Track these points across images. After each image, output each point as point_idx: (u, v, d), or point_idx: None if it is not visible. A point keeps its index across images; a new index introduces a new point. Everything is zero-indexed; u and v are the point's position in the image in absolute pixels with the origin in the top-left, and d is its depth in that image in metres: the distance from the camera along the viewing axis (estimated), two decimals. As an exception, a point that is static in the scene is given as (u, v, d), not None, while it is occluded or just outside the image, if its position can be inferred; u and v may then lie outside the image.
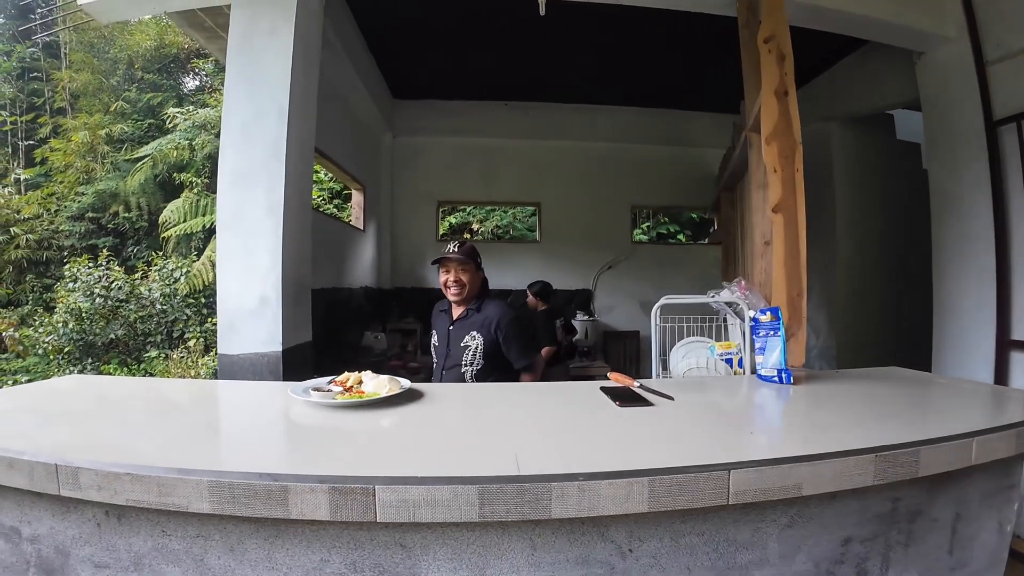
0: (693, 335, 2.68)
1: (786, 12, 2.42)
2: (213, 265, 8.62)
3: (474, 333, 2.25)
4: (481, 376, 2.20)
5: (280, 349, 2.53)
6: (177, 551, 0.96)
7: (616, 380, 1.64)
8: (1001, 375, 3.06)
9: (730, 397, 1.68)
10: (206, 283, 8.51)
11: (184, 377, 7.11)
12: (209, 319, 8.23)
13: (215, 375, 6.99)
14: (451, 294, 2.30)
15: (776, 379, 1.70)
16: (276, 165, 2.57)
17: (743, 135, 3.07)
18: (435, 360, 2.41)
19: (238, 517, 0.90)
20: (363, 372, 1.47)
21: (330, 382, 1.47)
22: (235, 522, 0.94)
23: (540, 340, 4.02)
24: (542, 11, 2.68)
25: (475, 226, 9.66)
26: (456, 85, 5.72)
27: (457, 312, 2.34)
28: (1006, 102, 3.06)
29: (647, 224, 8.81)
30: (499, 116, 6.12)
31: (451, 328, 2.33)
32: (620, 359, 6.05)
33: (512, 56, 4.87)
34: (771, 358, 1.73)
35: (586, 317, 5.69)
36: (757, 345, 1.81)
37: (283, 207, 2.56)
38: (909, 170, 5.06)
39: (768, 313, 1.79)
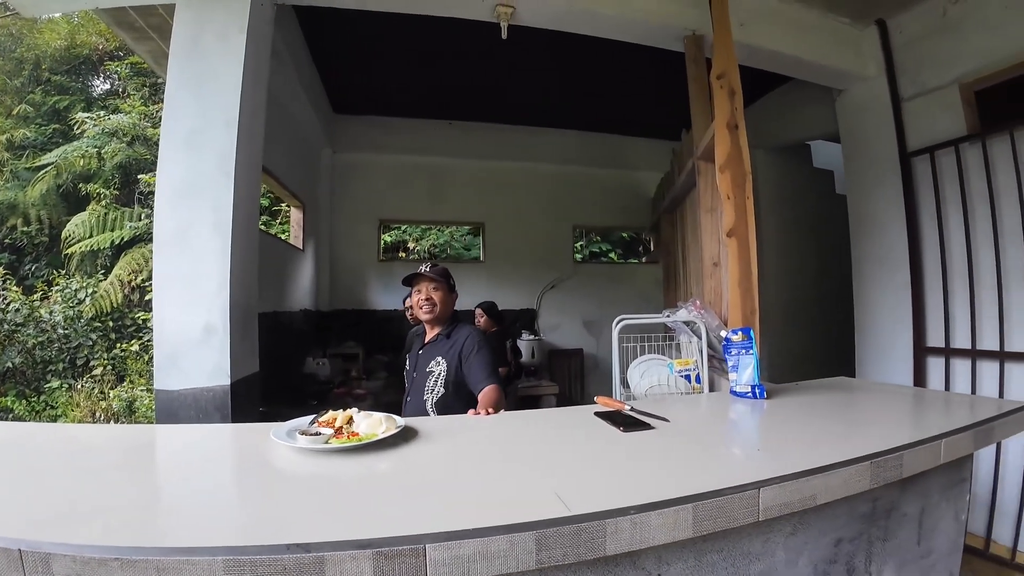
0: (647, 353, 2.75)
1: (734, 51, 2.58)
2: (123, 285, 7.95)
3: (439, 359, 2.17)
4: (441, 405, 2.10)
5: (228, 383, 2.31)
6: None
7: (605, 404, 1.64)
8: (919, 378, 3.37)
9: (716, 415, 1.74)
10: (114, 305, 7.79)
11: (94, 412, 6.46)
12: (118, 344, 7.53)
13: (129, 407, 6.47)
14: (423, 313, 2.22)
15: (751, 395, 1.78)
16: (224, 180, 2.37)
17: (691, 162, 3.21)
18: (407, 387, 2.32)
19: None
20: (350, 410, 1.37)
21: (312, 422, 1.35)
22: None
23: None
24: (504, 35, 2.71)
25: (411, 244, 9.51)
26: (400, 102, 5.64)
27: (428, 336, 2.28)
28: (919, 135, 3.39)
29: (580, 243, 9.01)
30: (444, 135, 6.08)
31: (420, 352, 2.26)
32: (566, 377, 6.11)
33: (458, 76, 4.87)
34: (744, 375, 1.82)
35: (532, 336, 5.71)
36: (729, 363, 1.88)
37: (232, 225, 2.36)
38: (824, 195, 5.51)
39: (740, 333, 1.87)
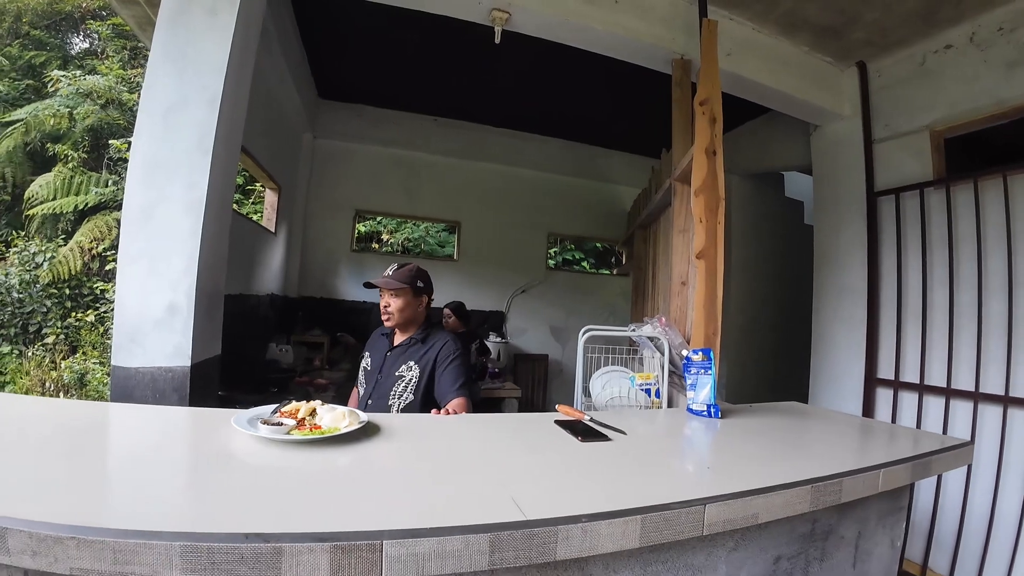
0: (611, 364, 2.81)
1: (719, 79, 2.66)
2: (83, 252, 7.68)
3: (411, 364, 2.11)
4: (408, 412, 2.06)
5: (188, 364, 2.26)
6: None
7: (566, 413, 1.68)
8: (868, 407, 3.51)
9: (671, 431, 1.78)
10: (73, 272, 7.53)
11: (44, 381, 6.23)
12: (73, 313, 7.29)
13: (80, 380, 6.26)
14: (384, 320, 2.18)
15: (706, 413, 1.84)
16: (201, 158, 2.31)
17: (668, 182, 3.28)
18: (362, 386, 2.25)
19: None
20: (313, 402, 1.37)
21: (275, 411, 1.34)
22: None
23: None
24: (497, 39, 2.74)
25: (385, 236, 9.44)
26: (387, 93, 5.60)
27: (399, 339, 2.21)
28: (887, 176, 3.53)
29: (555, 249, 9.09)
30: (428, 131, 6.06)
31: (388, 353, 2.19)
32: (529, 382, 6.15)
33: (448, 74, 4.87)
34: (701, 394, 1.88)
35: (499, 339, 5.74)
36: (688, 381, 1.94)
37: (204, 206, 2.31)
38: (794, 224, 5.69)
39: (700, 353, 1.92)
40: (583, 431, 1.47)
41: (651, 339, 2.62)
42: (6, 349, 6.73)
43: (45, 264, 7.40)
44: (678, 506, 1.00)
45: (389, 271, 2.18)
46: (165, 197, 2.30)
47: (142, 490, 0.96)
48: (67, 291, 7.51)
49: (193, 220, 2.31)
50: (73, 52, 11.13)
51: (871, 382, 3.54)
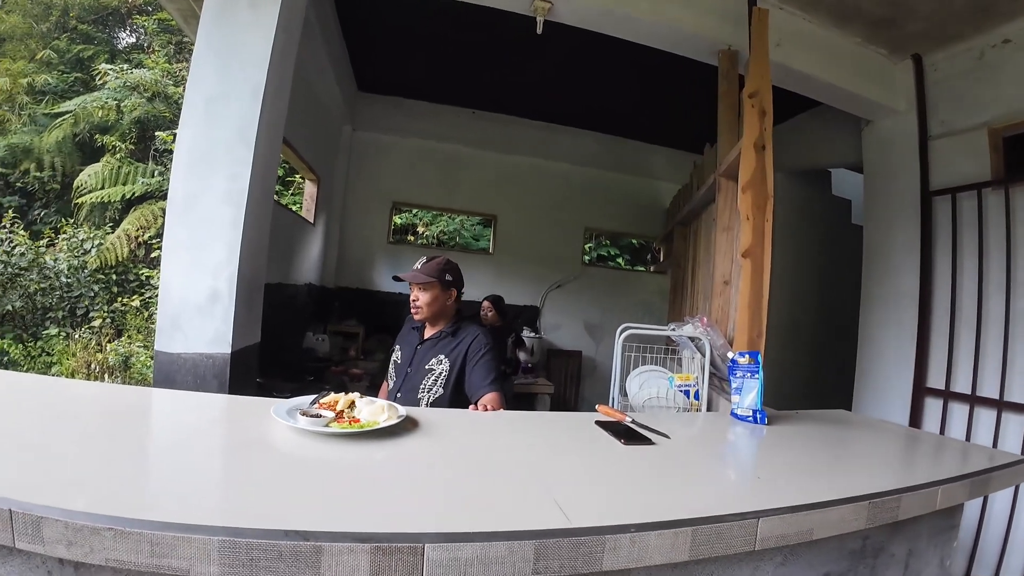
0: (647, 364, 2.74)
1: (769, 71, 2.55)
2: (129, 240, 7.94)
3: (442, 357, 2.07)
4: (437, 406, 2.00)
5: (229, 351, 2.30)
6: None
7: (606, 414, 1.63)
8: (916, 417, 3.36)
9: (716, 436, 1.72)
10: (119, 259, 7.80)
11: (90, 363, 6.46)
12: (119, 298, 7.53)
13: (125, 363, 6.48)
14: (413, 314, 2.15)
15: (751, 419, 1.77)
16: (243, 150, 2.35)
17: (712, 177, 3.19)
18: (392, 379, 2.23)
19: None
20: (352, 394, 1.36)
21: (314, 402, 1.33)
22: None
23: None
24: (539, 30, 2.69)
25: (420, 229, 9.49)
26: (425, 86, 5.61)
27: (429, 332, 2.17)
28: (942, 175, 3.36)
29: (589, 245, 9.00)
30: (465, 124, 6.04)
31: (419, 347, 2.16)
32: (562, 378, 6.11)
33: (486, 66, 4.85)
34: (747, 399, 1.81)
35: (533, 334, 5.70)
36: (733, 385, 1.87)
37: (246, 196, 2.34)
38: (841, 223, 5.49)
39: (747, 356, 1.85)
40: (625, 433, 1.42)
41: (692, 339, 2.55)
42: (54, 331, 6.98)
43: (93, 251, 7.66)
44: (731, 519, 0.95)
45: (418, 265, 2.15)
46: (208, 187, 2.34)
47: (180, 480, 0.95)
48: (114, 277, 7.78)
49: (235, 210, 2.35)
50: (120, 46, 11.54)
51: (920, 391, 3.38)
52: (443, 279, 2.12)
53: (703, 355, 2.47)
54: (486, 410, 1.80)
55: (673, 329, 2.66)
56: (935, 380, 3.32)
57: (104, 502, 0.77)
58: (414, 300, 2.12)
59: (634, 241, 9.45)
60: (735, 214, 2.77)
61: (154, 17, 10.23)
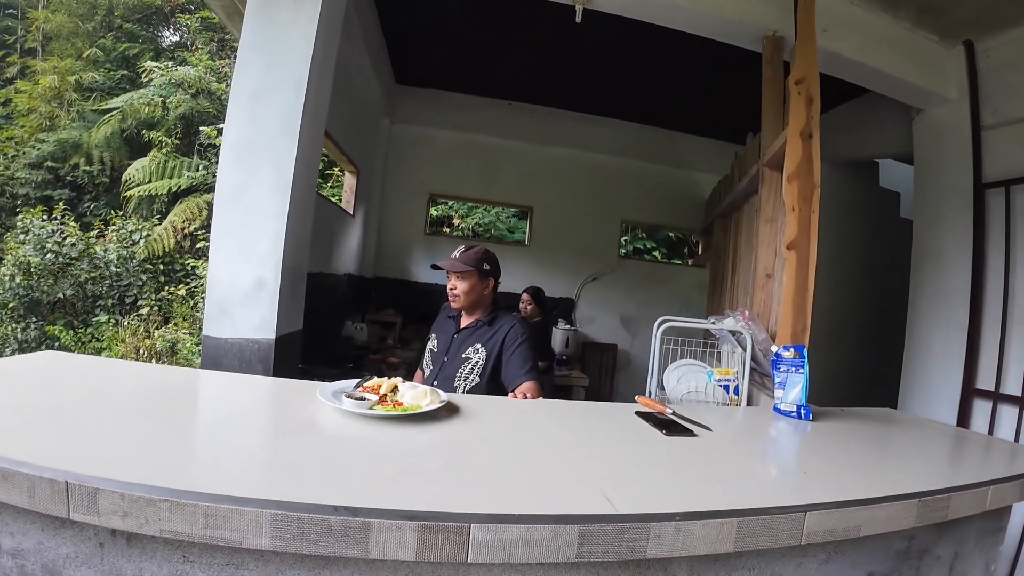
0: (684, 358, 2.71)
1: (816, 57, 2.47)
2: (176, 231, 8.24)
3: (478, 346, 2.08)
4: (473, 394, 2.01)
5: (273, 337, 2.37)
6: (201, 581, 0.81)
7: (646, 405, 1.62)
8: (964, 418, 3.24)
9: (758, 430, 1.70)
10: (166, 249, 8.13)
11: (138, 348, 6.75)
12: (166, 288, 7.85)
13: (172, 348, 6.74)
14: (451, 302, 2.16)
15: (795, 415, 1.73)
16: (287, 142, 2.41)
17: (755, 168, 3.11)
18: (428, 367, 2.24)
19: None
20: (395, 378, 1.38)
21: (358, 386, 1.37)
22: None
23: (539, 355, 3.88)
24: (578, 18, 2.66)
25: (456, 221, 9.55)
26: (462, 78, 5.63)
27: (466, 321, 2.19)
28: (996, 167, 3.21)
29: (625, 238, 8.92)
30: (502, 115, 6.06)
31: (455, 335, 2.18)
32: (597, 371, 6.08)
33: (524, 57, 4.83)
34: (791, 394, 1.77)
35: (568, 327, 5.68)
36: (777, 379, 1.83)
37: (291, 187, 2.40)
38: (888, 216, 5.29)
39: (792, 350, 1.81)
40: (667, 424, 1.41)
41: (732, 333, 2.50)
42: (104, 318, 7.32)
43: (141, 242, 8.00)
44: (777, 511, 0.94)
45: (456, 253, 2.16)
46: (254, 178, 2.41)
47: (232, 456, 0.99)
48: (161, 267, 8.11)
49: (280, 200, 2.41)
50: (164, 44, 11.94)
51: (968, 392, 3.25)
52: (481, 268, 2.13)
53: (744, 349, 2.43)
54: (524, 398, 1.81)
55: (713, 322, 2.62)
56: (985, 381, 3.19)
57: (159, 475, 0.80)
58: (452, 288, 2.13)
59: (671, 234, 9.32)
60: (779, 205, 2.70)
61: (196, 15, 10.55)
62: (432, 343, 2.29)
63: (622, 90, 5.42)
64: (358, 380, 1.41)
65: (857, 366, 4.87)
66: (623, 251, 7.39)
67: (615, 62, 4.66)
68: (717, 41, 3.16)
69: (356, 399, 1.27)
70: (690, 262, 6.91)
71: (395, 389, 1.34)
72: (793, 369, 1.78)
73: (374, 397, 1.29)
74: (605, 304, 6.42)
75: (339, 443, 1.10)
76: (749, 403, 2.38)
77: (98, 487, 0.75)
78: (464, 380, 2.05)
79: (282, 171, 2.41)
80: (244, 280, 2.39)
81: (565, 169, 6.35)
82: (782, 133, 2.53)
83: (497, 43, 4.53)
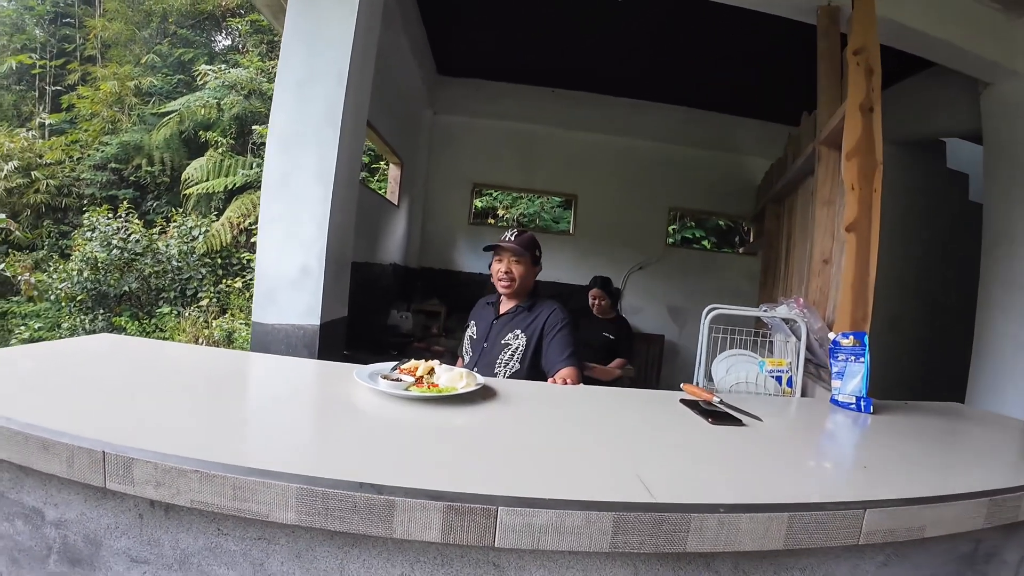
0: (734, 347, 2.59)
1: (876, 26, 2.31)
2: (232, 227, 8.58)
3: (518, 332, 2.05)
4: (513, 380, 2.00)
5: (318, 323, 2.43)
6: (233, 552, 0.83)
7: (692, 393, 1.55)
8: (1040, 417, 2.99)
9: (813, 422, 1.61)
10: (224, 244, 8.49)
11: (198, 337, 7.09)
12: (224, 280, 8.21)
13: (228, 337, 7.03)
14: (502, 286, 2.11)
15: (854, 406, 1.63)
16: (330, 131, 2.46)
17: (810, 147, 2.95)
18: (467, 354, 2.22)
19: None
20: (432, 361, 1.37)
21: (394, 368, 1.36)
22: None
23: (621, 352, 3.74)
24: (621, -2, 2.58)
25: (500, 211, 9.54)
26: (503, 67, 5.59)
27: (505, 307, 2.16)
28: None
29: (673, 227, 8.70)
30: (544, 102, 5.97)
31: (495, 322, 2.15)
32: (643, 362, 5.95)
33: (565, 43, 4.74)
34: (850, 384, 1.66)
35: (614, 317, 5.58)
36: (834, 369, 1.73)
37: (334, 176, 2.45)
38: (956, 200, 4.95)
39: (852, 337, 1.70)
40: (713, 413, 1.34)
41: (786, 321, 2.38)
42: (166, 309, 7.73)
43: (200, 237, 8.41)
44: (833, 507, 0.87)
45: (511, 235, 2.13)
46: (299, 166, 2.46)
47: (266, 432, 1.01)
48: (219, 261, 8.50)
49: (324, 188, 2.46)
50: (217, 48, 12.45)
51: (1044, 387, 3.01)
52: (534, 253, 2.14)
53: (798, 339, 2.30)
54: (564, 384, 1.77)
55: (765, 310, 2.50)
56: (1062, 376, 2.94)
57: (193, 448, 0.81)
58: (507, 272, 2.08)
59: (721, 223, 9.03)
60: (837, 185, 2.55)
61: (246, 19, 10.92)
62: (471, 330, 2.27)
63: (667, 72, 5.24)
64: (395, 363, 1.40)
65: (919, 358, 4.59)
66: (671, 240, 7.20)
67: (659, 43, 4.52)
68: (767, 14, 3.01)
69: (392, 380, 1.26)
70: (741, 250, 6.68)
71: (431, 371, 1.32)
72: (852, 358, 1.67)
73: (410, 379, 1.28)
74: (652, 294, 6.26)
75: (372, 423, 1.10)
76: (803, 395, 2.26)
77: (134, 457, 0.77)
78: (504, 367, 2.03)
79: (325, 159, 2.46)
80: (290, 267, 2.45)
81: (610, 156, 6.21)
82: (840, 108, 2.39)
83: (538, 28, 4.46)
